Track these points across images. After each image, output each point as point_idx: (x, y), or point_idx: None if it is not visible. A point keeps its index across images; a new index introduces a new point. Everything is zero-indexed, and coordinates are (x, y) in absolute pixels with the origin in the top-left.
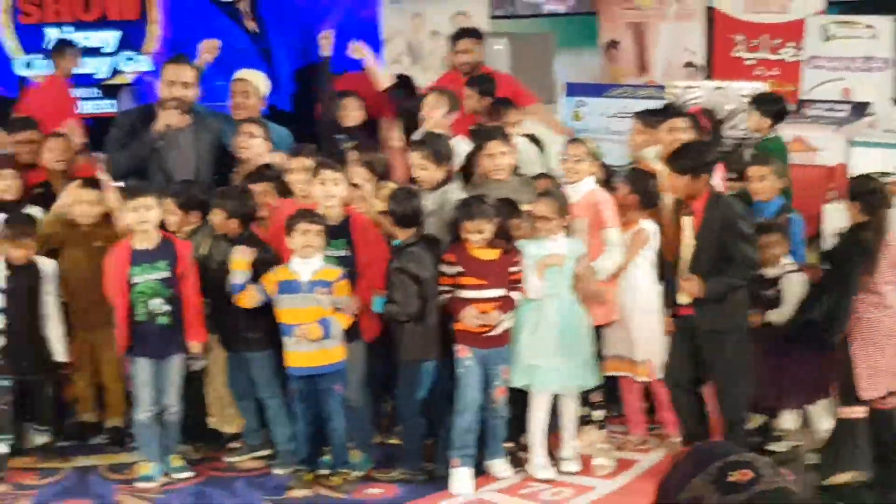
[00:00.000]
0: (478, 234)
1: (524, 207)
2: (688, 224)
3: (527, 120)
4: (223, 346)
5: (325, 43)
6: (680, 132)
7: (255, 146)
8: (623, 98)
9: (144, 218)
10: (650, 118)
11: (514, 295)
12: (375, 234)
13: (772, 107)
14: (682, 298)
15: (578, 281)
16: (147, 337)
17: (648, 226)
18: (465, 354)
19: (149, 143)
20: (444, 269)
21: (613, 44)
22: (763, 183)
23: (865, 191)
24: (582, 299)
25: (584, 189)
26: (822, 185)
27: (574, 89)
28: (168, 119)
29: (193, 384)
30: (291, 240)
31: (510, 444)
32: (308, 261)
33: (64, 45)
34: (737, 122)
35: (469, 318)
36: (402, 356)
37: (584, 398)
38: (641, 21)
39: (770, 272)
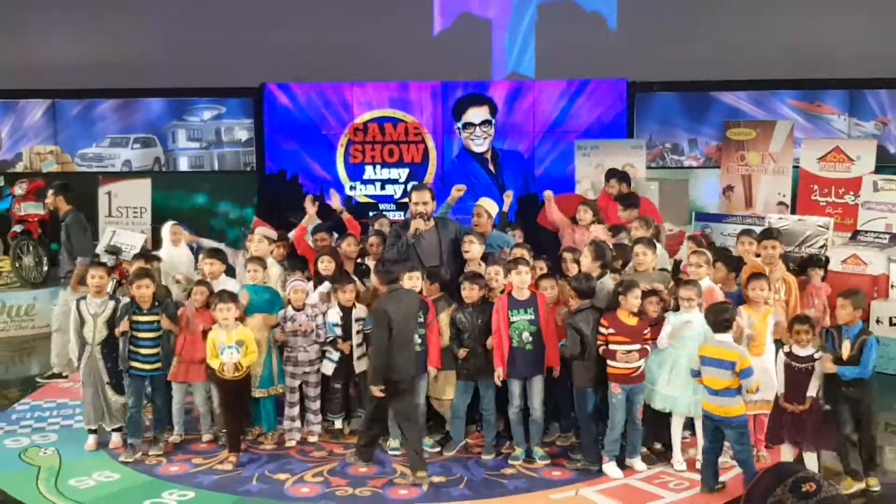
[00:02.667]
0: (633, 299)
1: (659, 288)
2: None
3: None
4: (458, 377)
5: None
6: (772, 249)
7: (473, 251)
8: (735, 224)
9: (523, 280)
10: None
11: (647, 347)
12: (549, 307)
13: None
14: None
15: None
16: (516, 360)
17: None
18: (616, 390)
19: (405, 242)
20: (602, 329)
21: (730, 187)
22: (843, 311)
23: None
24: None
25: (703, 285)
26: (870, 289)
27: (701, 216)
28: (417, 225)
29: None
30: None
31: (644, 450)
32: None
33: (616, 173)
34: (812, 242)
35: (621, 361)
36: (575, 384)
37: None
38: (749, 173)
39: (801, 352)
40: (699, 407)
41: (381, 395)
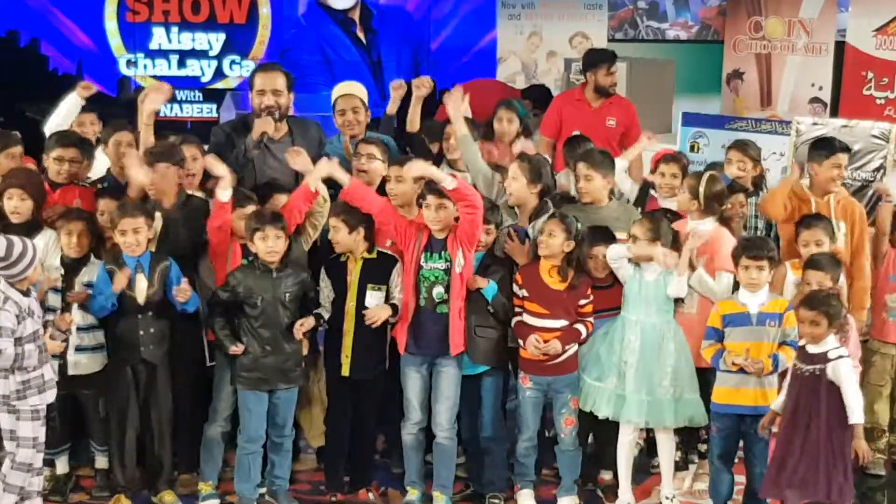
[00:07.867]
0: (551, 238)
1: (620, 236)
2: None
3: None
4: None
5: (395, 95)
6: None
7: (375, 168)
8: (744, 131)
9: (433, 217)
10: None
11: (580, 327)
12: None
13: None
14: None
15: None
16: (424, 326)
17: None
18: (526, 384)
19: (243, 153)
20: (515, 289)
21: (737, 74)
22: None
23: None
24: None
25: (707, 227)
26: None
27: (692, 119)
28: (264, 126)
29: None
30: None
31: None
32: None
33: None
34: (863, 162)
35: (531, 348)
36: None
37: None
38: (769, 52)
39: None
40: (658, 412)
41: None
